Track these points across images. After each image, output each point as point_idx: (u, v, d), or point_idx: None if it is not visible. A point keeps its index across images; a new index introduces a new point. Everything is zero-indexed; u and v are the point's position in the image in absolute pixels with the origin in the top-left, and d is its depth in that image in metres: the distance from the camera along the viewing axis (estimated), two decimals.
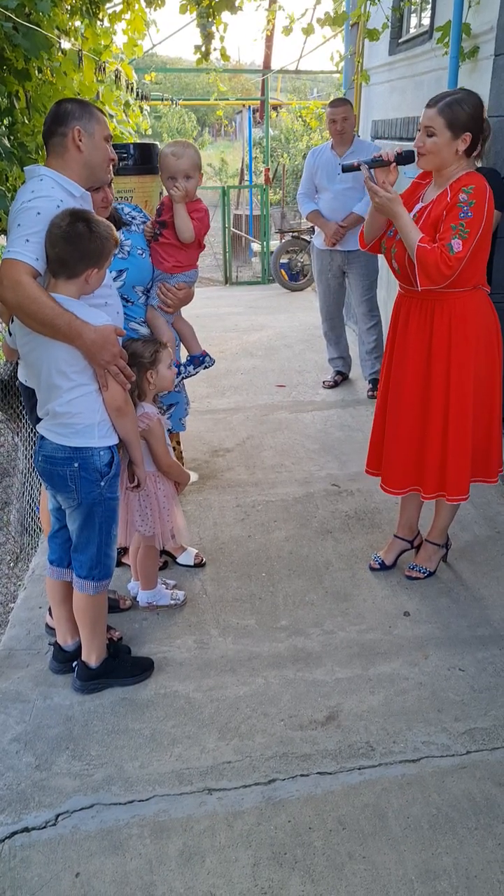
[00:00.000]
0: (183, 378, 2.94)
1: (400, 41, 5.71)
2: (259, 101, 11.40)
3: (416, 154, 2.61)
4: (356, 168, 2.66)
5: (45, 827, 2.03)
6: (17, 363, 3.16)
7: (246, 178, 13.27)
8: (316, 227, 5.15)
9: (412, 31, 5.62)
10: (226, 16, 5.64)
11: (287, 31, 6.21)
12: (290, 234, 9.65)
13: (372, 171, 2.61)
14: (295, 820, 2.04)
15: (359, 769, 2.19)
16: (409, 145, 2.69)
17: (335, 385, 5.41)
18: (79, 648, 2.51)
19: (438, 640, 2.73)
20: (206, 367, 2.97)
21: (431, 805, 2.07)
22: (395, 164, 2.62)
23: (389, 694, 2.47)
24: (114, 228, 2.11)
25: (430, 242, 2.57)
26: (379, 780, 2.15)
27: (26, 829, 2.02)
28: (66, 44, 3.88)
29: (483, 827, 2.00)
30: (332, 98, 5.29)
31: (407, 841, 1.97)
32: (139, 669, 2.54)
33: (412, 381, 2.83)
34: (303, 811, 2.06)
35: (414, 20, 5.70)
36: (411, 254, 2.60)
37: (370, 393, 5.14)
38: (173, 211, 2.63)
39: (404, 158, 2.61)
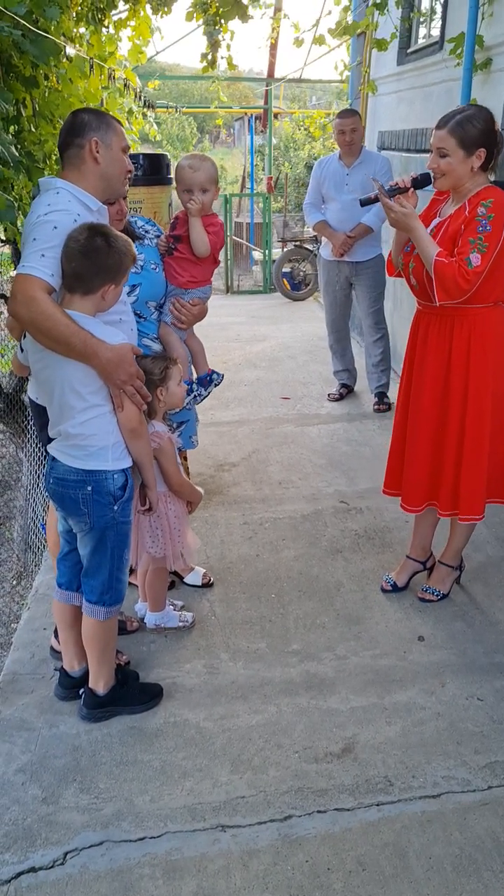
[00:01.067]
0: (198, 401, 2.87)
1: (409, 51, 5.66)
2: (262, 110, 11.37)
3: (432, 176, 2.58)
4: (374, 200, 2.65)
5: (52, 866, 1.94)
6: (24, 378, 3.09)
7: (247, 185, 13.24)
8: (323, 238, 5.10)
9: (421, 41, 5.57)
10: (232, 24, 5.61)
11: (298, 42, 6.17)
12: (293, 243, 9.59)
13: (391, 199, 2.58)
14: (313, 860, 1.96)
15: (377, 805, 2.11)
16: (416, 157, 2.65)
17: (340, 398, 5.35)
18: (86, 674, 2.42)
19: (455, 666, 2.65)
20: (216, 385, 2.90)
21: (454, 844, 1.99)
22: (412, 189, 2.60)
23: (406, 724, 2.40)
24: (132, 244, 2.04)
25: (448, 256, 2.53)
26: (398, 817, 2.08)
27: (33, 869, 1.93)
28: (71, 50, 3.81)
29: None
30: (333, 107, 5.26)
31: (430, 884, 1.89)
32: (148, 696, 2.46)
33: (430, 397, 2.78)
34: (320, 850, 1.98)
35: (423, 31, 5.66)
36: (429, 268, 2.55)
37: (376, 406, 5.08)
38: (189, 224, 2.56)
39: (421, 182, 2.62)
